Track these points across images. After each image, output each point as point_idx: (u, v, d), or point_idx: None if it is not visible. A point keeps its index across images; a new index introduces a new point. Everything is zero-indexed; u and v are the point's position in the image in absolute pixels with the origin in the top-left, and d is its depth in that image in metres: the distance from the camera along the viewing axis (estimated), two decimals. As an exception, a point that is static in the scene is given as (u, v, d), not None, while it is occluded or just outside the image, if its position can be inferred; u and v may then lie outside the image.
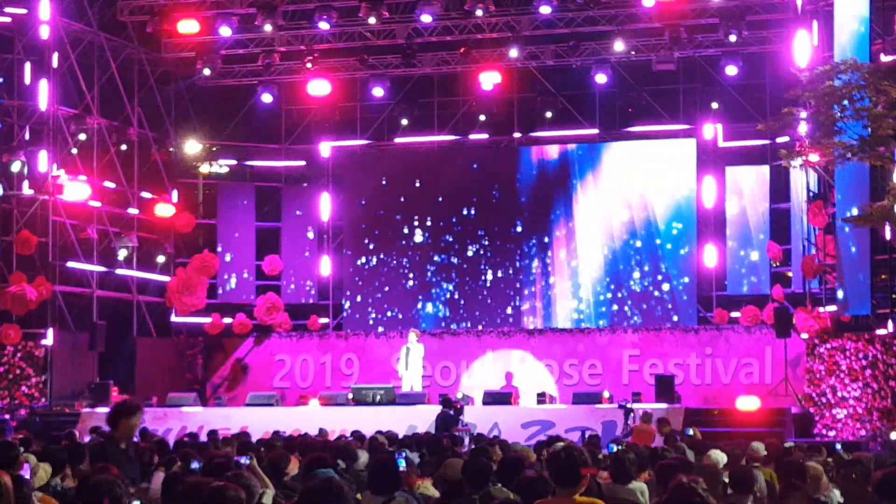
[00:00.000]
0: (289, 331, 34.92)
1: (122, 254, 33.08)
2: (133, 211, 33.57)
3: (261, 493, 9.40)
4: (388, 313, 34.35)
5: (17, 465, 10.48)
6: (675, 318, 32.47)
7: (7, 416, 27.53)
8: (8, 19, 30.84)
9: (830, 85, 24.07)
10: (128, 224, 33.57)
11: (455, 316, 33.90)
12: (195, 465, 11.51)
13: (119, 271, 33.11)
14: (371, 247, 34.75)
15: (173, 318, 34.69)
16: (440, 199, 34.47)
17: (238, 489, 7.28)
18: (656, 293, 32.69)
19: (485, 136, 35.06)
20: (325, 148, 35.65)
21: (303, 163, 36.41)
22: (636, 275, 32.88)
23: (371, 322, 34.39)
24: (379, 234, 34.74)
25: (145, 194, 34.11)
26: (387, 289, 34.52)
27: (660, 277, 32.74)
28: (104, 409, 28.06)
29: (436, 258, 34.29)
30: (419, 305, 34.23)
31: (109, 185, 32.88)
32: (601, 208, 33.34)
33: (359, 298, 34.67)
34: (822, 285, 29.87)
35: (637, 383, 30.94)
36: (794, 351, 29.88)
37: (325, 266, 35.50)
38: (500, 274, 33.83)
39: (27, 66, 30.89)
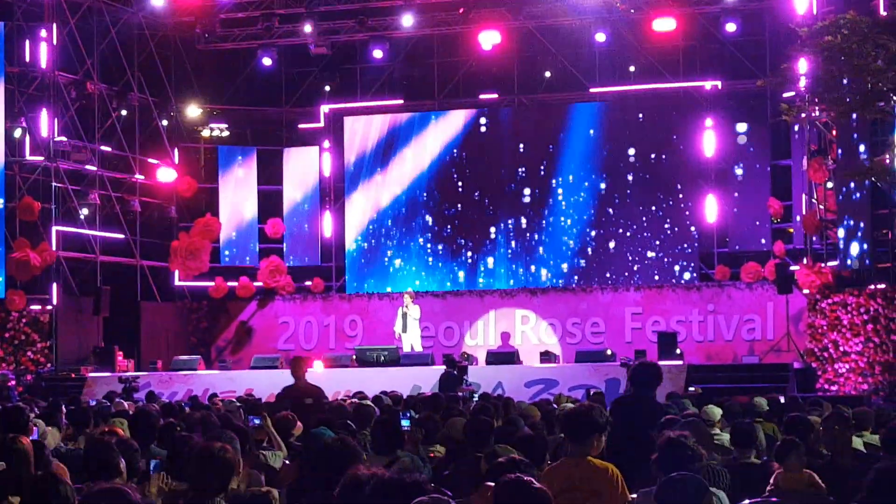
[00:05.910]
0: (292, 293, 35.00)
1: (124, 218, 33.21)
2: (137, 176, 33.62)
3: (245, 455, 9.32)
4: (391, 271, 34.51)
5: (27, 429, 10.58)
6: (677, 270, 32.54)
7: (13, 382, 27.60)
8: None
9: (830, 40, 24.01)
10: (130, 189, 33.64)
11: (456, 277, 34.01)
12: None
13: (121, 236, 33.21)
14: (373, 209, 34.81)
15: (177, 283, 34.82)
16: (444, 159, 34.49)
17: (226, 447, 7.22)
18: (658, 253, 32.80)
19: (486, 96, 35.08)
20: (326, 110, 35.66)
21: (303, 125, 36.39)
22: (637, 232, 32.94)
23: (374, 283, 34.51)
24: (379, 196, 34.77)
25: (147, 159, 34.16)
26: (388, 250, 34.62)
27: (661, 236, 32.81)
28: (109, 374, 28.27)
29: (434, 217, 34.38)
30: (419, 266, 34.33)
31: (111, 150, 32.92)
32: (600, 165, 33.41)
33: (361, 260, 34.79)
34: (823, 241, 29.94)
35: (640, 341, 30.98)
36: (795, 306, 29.95)
37: (328, 227, 35.56)
38: (499, 234, 33.91)
39: (27, 32, 30.81)
